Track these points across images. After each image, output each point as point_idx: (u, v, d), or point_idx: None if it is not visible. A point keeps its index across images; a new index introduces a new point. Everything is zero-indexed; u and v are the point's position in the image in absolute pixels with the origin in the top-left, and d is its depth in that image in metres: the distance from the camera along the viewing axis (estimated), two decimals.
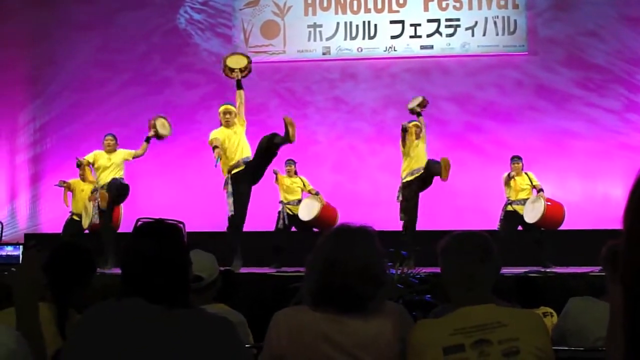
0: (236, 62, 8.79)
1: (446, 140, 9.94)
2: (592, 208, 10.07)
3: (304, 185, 10.05)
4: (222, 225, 8.81)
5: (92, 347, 2.07)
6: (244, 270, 8.37)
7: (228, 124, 8.73)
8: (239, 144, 8.71)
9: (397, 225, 9.75)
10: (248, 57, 8.95)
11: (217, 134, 8.69)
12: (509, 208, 9.43)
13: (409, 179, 9.18)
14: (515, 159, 9.51)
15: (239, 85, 8.73)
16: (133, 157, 9.42)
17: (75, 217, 9.85)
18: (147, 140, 9.22)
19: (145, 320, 2.09)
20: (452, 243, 2.61)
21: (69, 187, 9.90)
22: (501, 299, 2.75)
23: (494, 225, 9.27)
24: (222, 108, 8.85)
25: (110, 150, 9.43)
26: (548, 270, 8.47)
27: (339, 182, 11.22)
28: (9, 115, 12.22)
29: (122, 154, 9.45)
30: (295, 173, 10.12)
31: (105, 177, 9.32)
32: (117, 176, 9.33)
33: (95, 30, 12.01)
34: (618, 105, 11.21)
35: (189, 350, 2.05)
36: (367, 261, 2.36)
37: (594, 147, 10.98)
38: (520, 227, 9.40)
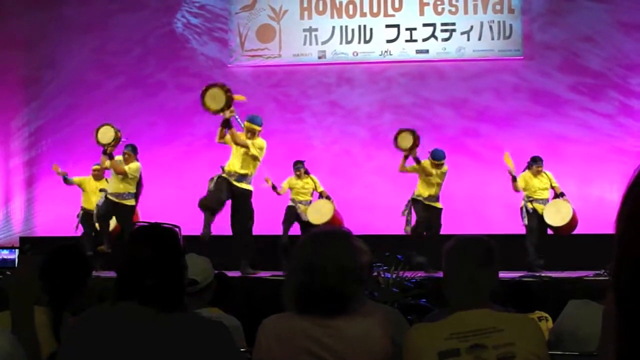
0: (214, 100, 8.64)
1: (442, 145, 9.91)
2: (587, 212, 10.07)
3: (315, 186, 9.85)
4: (218, 229, 8.81)
5: (87, 350, 2.07)
6: (238, 274, 8.37)
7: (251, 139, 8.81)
8: (237, 156, 8.76)
9: (391, 229, 9.75)
10: (224, 90, 8.68)
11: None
12: (530, 206, 9.31)
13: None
14: (538, 160, 9.45)
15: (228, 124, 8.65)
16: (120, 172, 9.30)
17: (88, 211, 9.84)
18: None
19: (140, 324, 2.09)
20: (456, 245, 2.63)
21: (76, 183, 10.07)
22: (496, 303, 2.77)
23: (491, 229, 9.24)
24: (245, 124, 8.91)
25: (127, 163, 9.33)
26: (542, 274, 8.46)
27: (334, 186, 11.19)
28: (4, 118, 12.20)
29: (132, 168, 9.32)
30: (306, 173, 9.89)
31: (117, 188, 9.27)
32: (128, 190, 9.28)
33: (91, 33, 11.99)
34: (612, 110, 11.23)
35: (183, 353, 2.05)
36: (344, 260, 2.38)
37: (589, 152, 10.99)
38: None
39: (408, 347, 2.44)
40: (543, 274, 8.43)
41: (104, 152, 9.21)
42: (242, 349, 3.30)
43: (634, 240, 0.94)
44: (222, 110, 8.58)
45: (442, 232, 9.20)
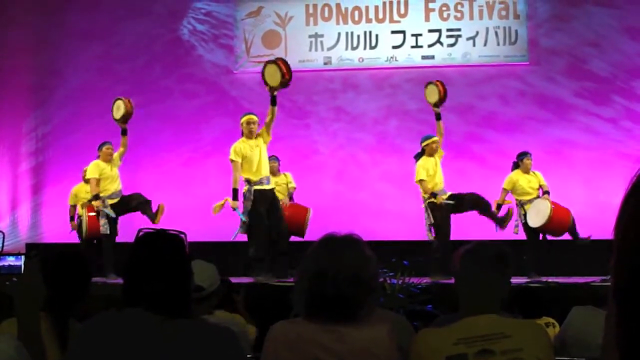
0: (271, 77, 8.47)
1: (448, 151, 9.91)
2: (594, 217, 10.04)
3: (287, 183, 9.59)
4: (223, 235, 8.80)
5: (94, 357, 2.06)
6: (244, 280, 8.35)
7: (251, 134, 8.57)
8: (261, 158, 8.55)
9: (398, 235, 9.75)
10: (280, 68, 8.48)
11: (240, 146, 8.52)
12: (523, 212, 9.10)
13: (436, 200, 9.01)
14: (528, 154, 9.28)
15: (274, 102, 8.53)
16: (120, 157, 9.34)
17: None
18: (123, 133, 9.23)
19: (146, 330, 2.09)
20: (471, 250, 2.63)
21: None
22: (503, 309, 2.77)
23: (497, 235, 9.22)
24: (245, 118, 8.65)
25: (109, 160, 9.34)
26: (549, 280, 8.43)
27: (340, 192, 11.22)
28: (11, 124, 12.22)
29: (117, 160, 9.37)
30: (279, 171, 9.63)
31: (113, 187, 9.26)
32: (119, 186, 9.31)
33: (97, 39, 12.01)
34: (617, 115, 11.22)
35: (190, 359, 2.05)
36: (356, 268, 2.38)
37: (595, 157, 10.98)
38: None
39: (416, 352, 2.43)
40: (550, 280, 8.39)
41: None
42: (249, 356, 3.30)
43: (633, 246, 0.94)
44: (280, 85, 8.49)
45: (449, 238, 9.17)
